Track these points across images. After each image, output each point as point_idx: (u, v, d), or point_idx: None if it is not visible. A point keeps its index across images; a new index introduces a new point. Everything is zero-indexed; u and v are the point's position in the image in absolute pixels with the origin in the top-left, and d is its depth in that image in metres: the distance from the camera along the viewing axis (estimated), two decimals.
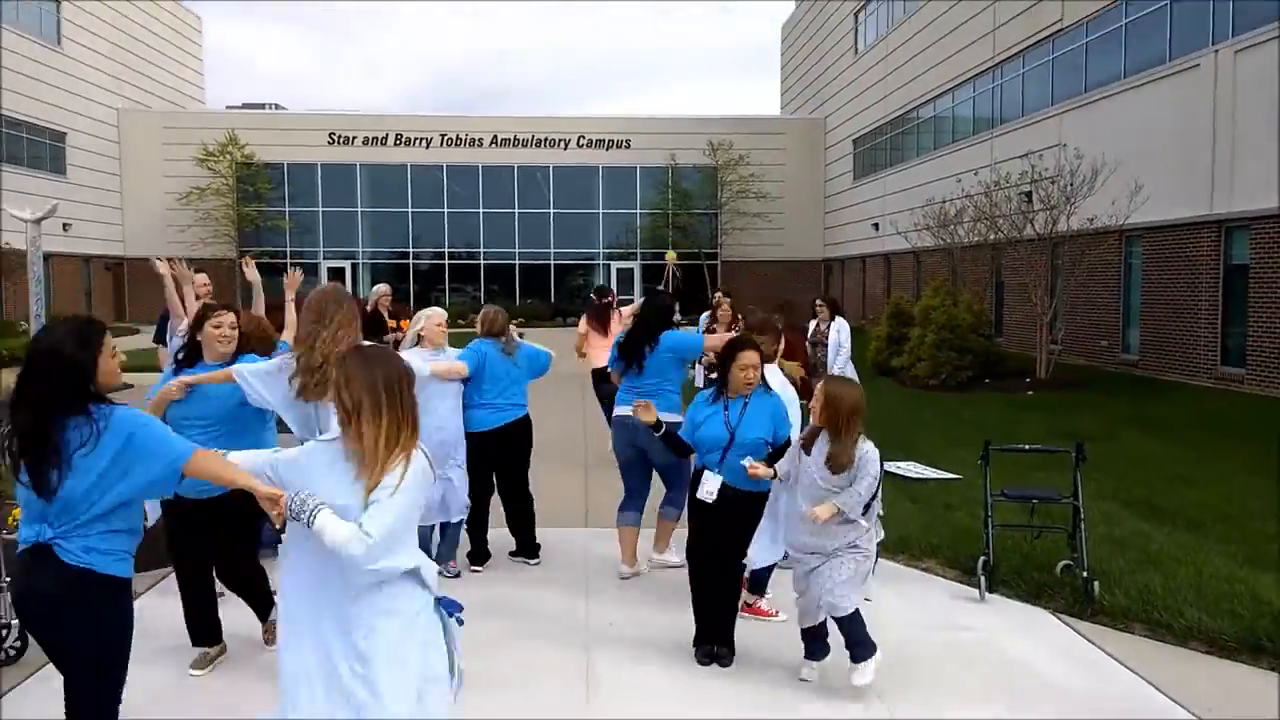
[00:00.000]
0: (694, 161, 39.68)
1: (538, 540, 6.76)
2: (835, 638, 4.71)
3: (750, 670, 4.92)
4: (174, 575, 5.00)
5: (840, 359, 10.59)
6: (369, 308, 10.24)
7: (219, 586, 5.02)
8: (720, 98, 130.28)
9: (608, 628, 5.47)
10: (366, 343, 4.30)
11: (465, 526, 6.54)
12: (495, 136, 40.33)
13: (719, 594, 5.05)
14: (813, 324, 11.48)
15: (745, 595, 5.48)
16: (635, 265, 40.62)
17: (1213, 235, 16.29)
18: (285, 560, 3.09)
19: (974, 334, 17.01)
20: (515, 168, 40.57)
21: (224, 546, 4.87)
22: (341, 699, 2.95)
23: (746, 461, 4.76)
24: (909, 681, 4.72)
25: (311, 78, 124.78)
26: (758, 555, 5.14)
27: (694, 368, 10.55)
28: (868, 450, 4.54)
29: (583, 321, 10.36)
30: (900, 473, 9.08)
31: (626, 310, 10.64)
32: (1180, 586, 5.77)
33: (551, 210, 40.94)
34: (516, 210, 40.81)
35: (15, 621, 4.85)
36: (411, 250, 40.83)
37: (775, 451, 4.94)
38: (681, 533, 6.52)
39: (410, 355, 6.08)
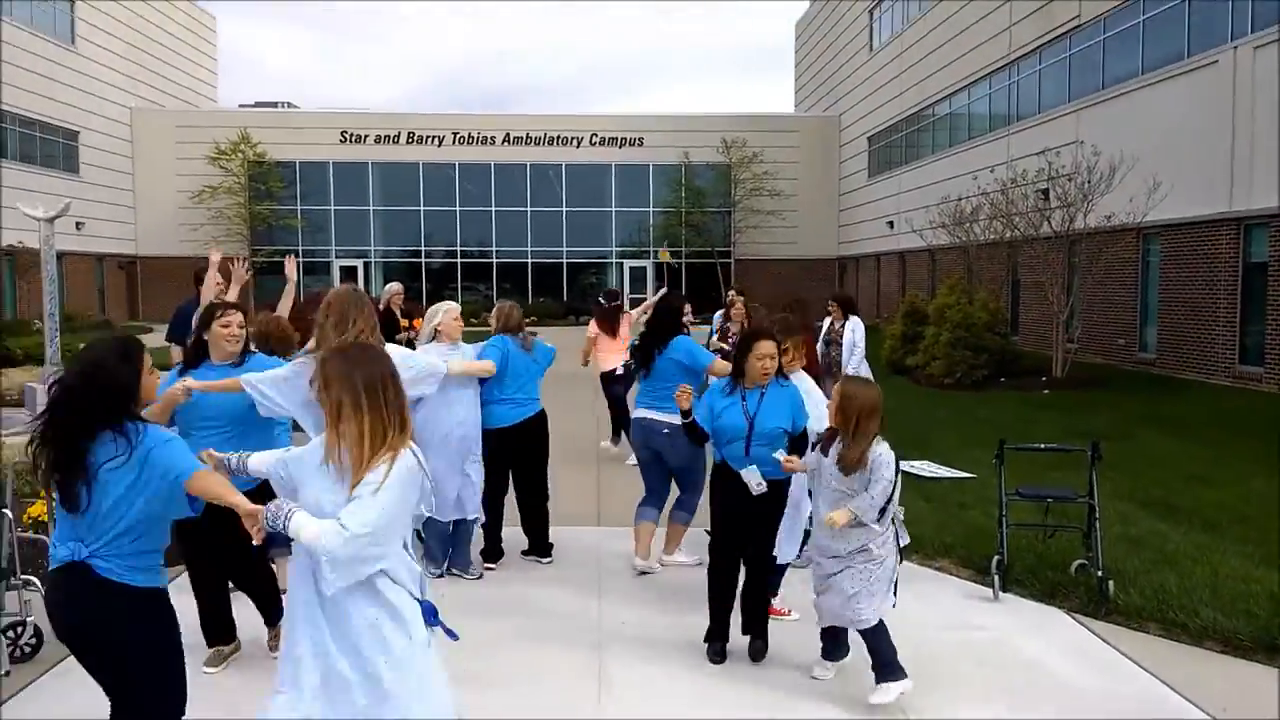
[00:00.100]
0: (707, 159, 39.57)
1: (550, 539, 6.75)
2: (855, 639, 4.69)
3: (763, 669, 4.91)
4: (187, 575, 5.02)
5: (855, 358, 10.53)
6: (381, 306, 10.26)
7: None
8: (720, 98, 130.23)
9: (620, 627, 5.46)
10: (389, 344, 4.31)
11: (481, 524, 6.53)
12: (508, 134, 40.33)
13: (750, 586, 5.07)
14: (825, 323, 11.43)
15: None
16: (648, 264, 40.58)
17: (1231, 233, 16.16)
18: (294, 561, 3.13)
19: (989, 332, 16.91)
20: (528, 166, 40.57)
21: (234, 550, 4.87)
22: (344, 699, 2.97)
23: (780, 454, 4.76)
24: (922, 681, 4.68)
25: (315, 78, 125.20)
26: (778, 550, 5.19)
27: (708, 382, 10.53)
28: (882, 453, 4.42)
29: (592, 324, 10.37)
30: (915, 471, 9.05)
31: (635, 311, 10.66)
32: (1196, 586, 5.73)
33: (564, 208, 40.92)
34: (529, 208, 40.81)
35: (31, 618, 4.87)
36: (424, 249, 40.90)
37: (794, 441, 4.93)
38: (692, 534, 6.54)
39: (427, 351, 6.09)
